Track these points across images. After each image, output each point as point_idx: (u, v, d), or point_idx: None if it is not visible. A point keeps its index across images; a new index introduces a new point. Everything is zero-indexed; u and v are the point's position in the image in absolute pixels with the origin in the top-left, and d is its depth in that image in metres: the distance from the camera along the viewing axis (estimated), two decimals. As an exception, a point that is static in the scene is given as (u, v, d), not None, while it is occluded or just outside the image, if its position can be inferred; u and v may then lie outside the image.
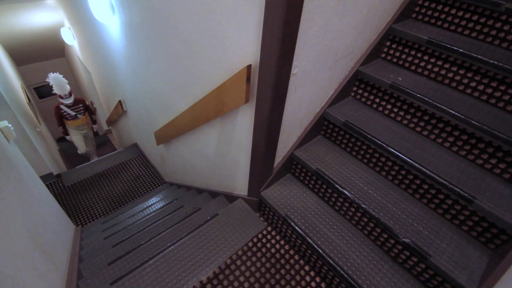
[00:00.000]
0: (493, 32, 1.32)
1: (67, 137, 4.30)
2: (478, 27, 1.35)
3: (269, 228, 1.62)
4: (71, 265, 1.73)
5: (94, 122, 4.50)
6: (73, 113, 3.96)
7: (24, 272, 1.13)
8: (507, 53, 1.27)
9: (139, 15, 1.81)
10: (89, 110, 4.28)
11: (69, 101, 3.80)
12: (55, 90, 3.69)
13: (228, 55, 1.24)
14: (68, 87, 3.74)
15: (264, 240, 1.56)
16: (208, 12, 1.20)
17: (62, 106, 3.89)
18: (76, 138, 4.32)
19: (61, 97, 3.74)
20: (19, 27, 4.70)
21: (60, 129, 4.14)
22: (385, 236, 1.30)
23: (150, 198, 2.88)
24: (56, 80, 3.61)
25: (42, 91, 7.20)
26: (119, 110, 3.64)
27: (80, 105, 4.03)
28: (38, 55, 6.48)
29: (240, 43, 1.15)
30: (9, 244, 1.10)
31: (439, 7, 1.43)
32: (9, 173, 1.39)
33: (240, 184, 1.75)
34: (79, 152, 4.46)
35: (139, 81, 2.50)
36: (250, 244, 1.54)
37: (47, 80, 3.57)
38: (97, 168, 3.59)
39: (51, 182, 3.36)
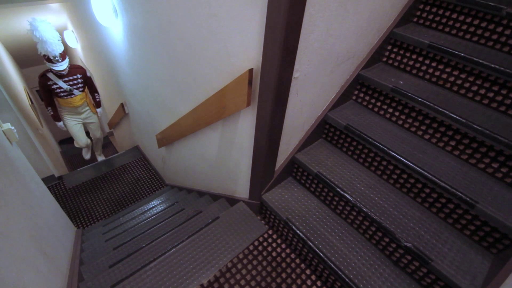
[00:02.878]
0: (494, 37, 1.32)
1: (59, 124, 3.07)
2: (479, 32, 1.36)
3: (270, 232, 1.62)
4: (72, 267, 1.73)
5: (98, 104, 3.23)
6: (66, 87, 2.73)
7: (26, 274, 1.13)
8: (509, 57, 1.27)
9: (142, 19, 1.82)
10: (91, 86, 3.04)
11: (61, 67, 2.55)
12: (39, 47, 2.40)
13: (230, 58, 1.25)
14: (60, 46, 2.49)
15: (265, 244, 1.56)
16: (210, 16, 1.21)
17: (50, 75, 2.65)
18: (72, 125, 3.14)
19: (49, 60, 2.49)
20: (22, 30, 4.74)
21: (48, 112, 2.92)
22: (387, 240, 1.30)
23: (151, 201, 2.88)
24: (40, 29, 2.32)
25: (44, 94, 7.24)
26: (121, 113, 3.65)
27: (78, 75, 2.81)
28: (41, 57, 6.52)
29: (242, 47, 1.16)
30: (11, 246, 1.10)
31: (440, 12, 1.44)
32: (11, 175, 1.40)
33: (241, 187, 1.75)
34: (76, 145, 3.30)
35: (141, 83, 2.52)
36: (251, 247, 1.53)
37: (27, 28, 2.31)
38: (99, 170, 3.60)
39: (53, 184, 3.36)
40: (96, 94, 3.19)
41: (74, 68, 2.81)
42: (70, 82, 2.81)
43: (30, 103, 4.58)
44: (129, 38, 2.20)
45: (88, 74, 2.94)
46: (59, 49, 2.51)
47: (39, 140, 3.50)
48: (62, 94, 2.82)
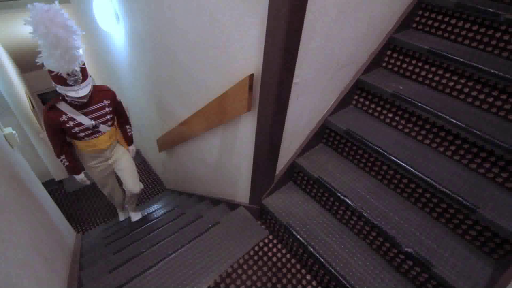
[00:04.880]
0: (493, 42, 1.33)
1: (78, 177, 2.00)
2: (478, 37, 1.37)
3: (270, 237, 1.61)
4: (72, 272, 1.72)
5: (130, 140, 2.20)
6: (89, 123, 1.74)
7: (25, 280, 1.13)
8: (508, 62, 1.28)
9: (143, 24, 1.84)
10: (122, 115, 2.04)
11: (82, 91, 1.57)
12: (45, 56, 1.40)
13: (231, 64, 1.26)
14: (79, 52, 1.45)
15: (265, 249, 1.55)
16: (211, 22, 1.22)
17: (62, 107, 1.66)
18: (98, 172, 2.12)
19: (61, 80, 1.49)
20: (24, 34, 4.77)
21: (62, 162, 1.86)
22: (388, 245, 1.30)
23: (151, 205, 2.88)
24: (52, 24, 1.31)
25: (46, 98, 7.27)
26: (122, 117, 3.66)
27: (105, 102, 1.80)
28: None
29: (242, 53, 1.16)
30: (11, 251, 1.10)
31: (439, 17, 1.45)
32: (12, 180, 1.40)
33: (241, 192, 1.75)
34: (110, 199, 2.44)
35: (142, 88, 2.53)
36: (252, 252, 1.53)
37: (24, 20, 1.30)
38: (99, 174, 3.59)
39: (53, 188, 3.37)
40: (127, 127, 2.13)
41: (98, 92, 1.77)
42: (95, 114, 1.75)
43: (32, 108, 4.59)
44: (130, 43, 2.22)
45: (118, 99, 1.91)
46: (76, 60, 1.45)
47: (40, 144, 3.51)
48: (82, 134, 1.76)
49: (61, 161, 1.85)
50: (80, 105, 1.70)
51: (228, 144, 1.61)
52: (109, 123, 1.87)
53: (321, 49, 1.17)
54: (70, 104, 1.67)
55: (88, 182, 2.07)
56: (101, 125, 1.82)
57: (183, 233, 1.78)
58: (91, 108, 1.74)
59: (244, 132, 1.44)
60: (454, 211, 1.22)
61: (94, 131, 1.81)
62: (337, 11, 1.09)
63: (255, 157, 1.43)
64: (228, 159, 1.69)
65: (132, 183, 2.23)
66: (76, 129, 1.73)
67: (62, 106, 1.65)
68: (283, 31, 0.94)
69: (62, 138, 1.78)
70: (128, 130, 2.15)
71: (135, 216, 2.70)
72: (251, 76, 1.16)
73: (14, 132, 1.73)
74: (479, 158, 1.26)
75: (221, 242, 1.56)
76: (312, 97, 1.36)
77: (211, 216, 1.88)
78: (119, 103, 1.95)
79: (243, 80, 1.19)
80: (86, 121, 1.73)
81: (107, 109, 1.81)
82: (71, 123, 1.69)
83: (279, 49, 0.99)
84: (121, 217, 2.84)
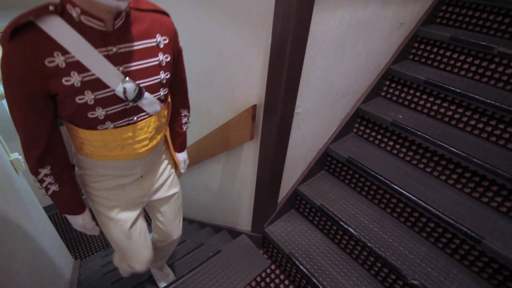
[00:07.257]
0: (488, 73, 1.38)
1: (81, 221, 0.99)
2: (473, 68, 1.42)
3: (273, 267, 1.57)
4: (68, 303, 1.67)
5: (184, 140, 1.14)
6: (120, 87, 0.66)
7: (21, 311, 1.10)
8: (504, 92, 1.32)
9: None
10: (182, 84, 0.97)
11: None
12: None
13: (235, 94, 1.30)
14: None
15: (267, 280, 1.51)
16: (217, 55, 1.28)
17: (51, 29, 0.57)
18: (121, 221, 1.01)
19: None
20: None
21: (41, 183, 0.78)
22: (393, 277, 1.26)
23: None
24: None
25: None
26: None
27: (159, 39, 0.73)
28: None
29: (246, 84, 1.21)
30: (10, 281, 1.08)
31: (434, 50, 1.51)
32: (16, 206, 1.41)
33: (243, 219, 1.73)
34: (125, 273, 1.58)
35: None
36: (253, 283, 1.49)
37: None
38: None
39: (54, 213, 3.34)
40: (184, 113, 1.10)
41: (145, 14, 0.71)
42: (137, 64, 0.71)
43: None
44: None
45: (180, 43, 0.87)
46: None
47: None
48: (100, 112, 0.69)
49: (39, 181, 0.81)
50: (103, 33, 0.66)
51: (230, 171, 1.62)
52: (162, 92, 0.82)
53: (322, 81, 1.21)
54: (80, 25, 0.63)
55: (98, 232, 1.10)
56: (147, 94, 0.77)
57: (183, 262, 1.74)
58: (132, 46, 0.71)
59: (246, 160, 1.45)
60: (459, 242, 1.20)
61: (130, 108, 0.76)
62: (336, 46, 1.15)
63: (258, 185, 1.43)
64: (230, 186, 1.70)
65: (173, 225, 1.25)
66: (88, 97, 0.68)
67: (53, 28, 0.61)
68: (285, 65, 0.99)
69: (46, 121, 0.73)
70: (184, 120, 1.11)
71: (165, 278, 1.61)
72: (254, 107, 1.19)
73: (20, 157, 1.75)
74: (482, 187, 1.26)
75: (222, 272, 1.52)
76: (314, 125, 1.39)
77: (212, 244, 1.85)
78: (181, 52, 0.91)
79: (246, 110, 1.22)
80: (114, 76, 0.69)
81: (161, 58, 0.78)
82: (75, 78, 0.66)
83: (281, 82, 1.03)
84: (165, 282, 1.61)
